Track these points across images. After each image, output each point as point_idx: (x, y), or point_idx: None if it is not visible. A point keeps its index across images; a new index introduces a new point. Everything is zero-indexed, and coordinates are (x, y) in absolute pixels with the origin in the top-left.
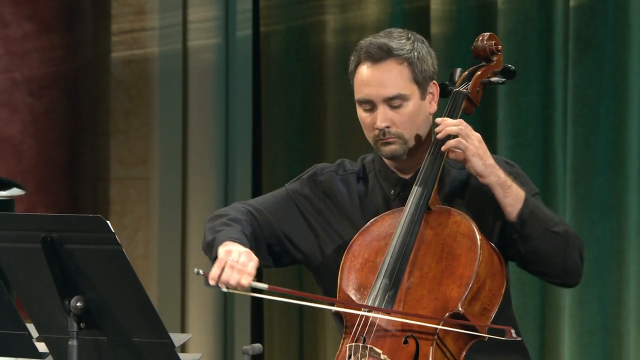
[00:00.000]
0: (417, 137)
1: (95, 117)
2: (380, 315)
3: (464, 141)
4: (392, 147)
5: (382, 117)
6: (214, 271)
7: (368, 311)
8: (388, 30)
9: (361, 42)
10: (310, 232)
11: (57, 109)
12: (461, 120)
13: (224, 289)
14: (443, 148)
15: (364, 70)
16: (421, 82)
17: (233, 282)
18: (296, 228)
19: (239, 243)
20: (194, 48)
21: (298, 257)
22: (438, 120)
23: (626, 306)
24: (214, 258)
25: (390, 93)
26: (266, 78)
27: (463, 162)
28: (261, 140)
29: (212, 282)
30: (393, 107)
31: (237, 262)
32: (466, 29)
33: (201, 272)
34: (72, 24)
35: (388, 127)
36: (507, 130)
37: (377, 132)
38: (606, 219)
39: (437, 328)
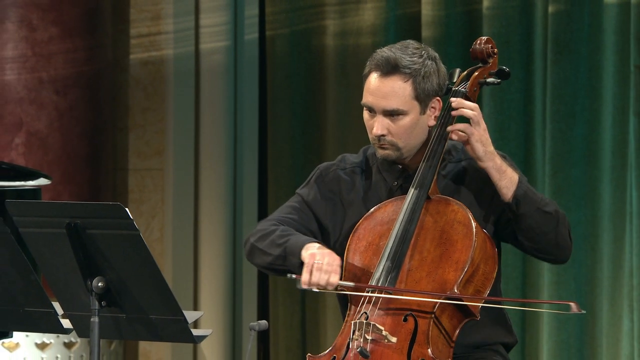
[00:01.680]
0: (414, 146)
1: (115, 113)
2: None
3: (471, 127)
4: (386, 152)
5: (379, 125)
6: (305, 276)
7: (372, 291)
8: (406, 43)
9: (378, 50)
10: (322, 229)
11: (80, 105)
12: (477, 106)
13: (315, 290)
14: (449, 128)
15: (372, 79)
16: (422, 99)
17: (323, 282)
18: (310, 227)
19: (316, 242)
20: (205, 50)
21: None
22: (453, 99)
23: (599, 285)
24: (298, 265)
25: (389, 106)
26: (271, 78)
27: (464, 144)
28: (267, 134)
29: (304, 286)
30: (391, 118)
31: (322, 264)
32: (454, 33)
33: (294, 276)
34: (94, 28)
35: (384, 135)
36: (492, 125)
37: (374, 136)
38: (581, 206)
39: (434, 307)
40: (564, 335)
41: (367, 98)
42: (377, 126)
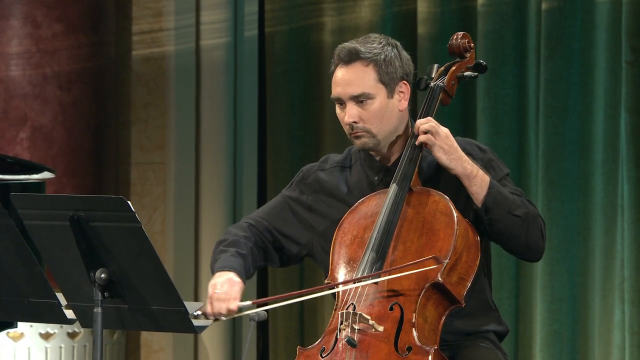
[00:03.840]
0: (389, 131)
1: (118, 108)
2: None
3: (432, 138)
4: (362, 140)
5: (349, 113)
6: (207, 308)
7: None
8: (367, 35)
9: (339, 46)
10: (305, 226)
11: (84, 100)
12: (429, 119)
13: (223, 318)
14: (417, 143)
15: (337, 72)
16: (387, 83)
17: (224, 311)
18: (292, 226)
19: (226, 270)
20: (206, 47)
21: (298, 250)
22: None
23: (592, 277)
24: None
25: (355, 91)
26: (270, 73)
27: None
28: (266, 128)
29: (211, 318)
30: (359, 104)
31: (221, 293)
32: (449, 30)
33: (199, 312)
34: (97, 25)
35: (355, 122)
36: (486, 120)
37: (347, 126)
38: (574, 199)
39: (419, 295)
40: (556, 325)
41: (334, 90)
42: (347, 114)
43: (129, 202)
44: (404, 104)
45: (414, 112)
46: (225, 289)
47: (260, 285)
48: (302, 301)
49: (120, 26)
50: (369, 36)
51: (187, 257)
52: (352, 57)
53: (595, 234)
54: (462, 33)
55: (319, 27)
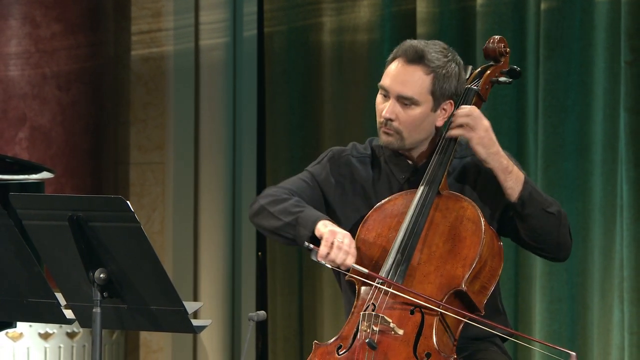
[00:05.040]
0: (417, 140)
1: (117, 108)
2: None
3: (467, 132)
4: (389, 138)
5: (390, 109)
6: (323, 250)
7: (382, 283)
8: (436, 41)
9: (408, 40)
10: (329, 211)
11: (83, 100)
12: (471, 111)
13: (328, 266)
14: (447, 135)
15: (395, 64)
16: (438, 97)
17: (339, 261)
18: (317, 206)
19: (331, 220)
20: (205, 47)
21: None
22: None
23: (591, 277)
24: (310, 236)
25: (405, 93)
26: (270, 73)
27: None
28: (265, 128)
29: (319, 259)
30: (403, 105)
31: (342, 244)
32: (448, 30)
33: (311, 246)
34: (96, 25)
35: (391, 120)
36: None
37: (382, 119)
38: (573, 199)
39: (442, 298)
40: (555, 326)
41: (384, 80)
42: (387, 109)
43: (128, 202)
44: (442, 121)
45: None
46: (347, 242)
47: (259, 284)
48: (301, 301)
49: (119, 26)
50: (436, 43)
51: (186, 257)
52: (415, 58)
53: (595, 234)
54: (498, 37)
55: (318, 27)
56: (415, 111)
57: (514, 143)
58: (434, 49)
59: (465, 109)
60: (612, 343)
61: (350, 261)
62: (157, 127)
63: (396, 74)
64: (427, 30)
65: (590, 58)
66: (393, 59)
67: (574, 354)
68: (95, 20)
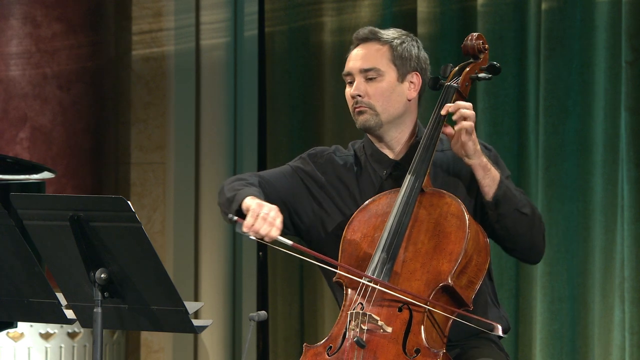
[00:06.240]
0: (393, 116)
1: (118, 108)
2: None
3: (467, 136)
4: (364, 116)
5: (356, 86)
6: (249, 220)
7: (369, 281)
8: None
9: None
10: (315, 205)
11: (84, 100)
12: (473, 115)
13: (252, 237)
14: (457, 127)
15: (352, 50)
16: (399, 66)
17: (263, 232)
18: (302, 201)
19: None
20: (205, 46)
21: (299, 228)
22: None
23: (591, 277)
24: (236, 210)
25: (366, 65)
26: (270, 73)
27: (451, 139)
28: (266, 128)
29: (244, 229)
30: (368, 80)
31: (268, 215)
32: (449, 30)
33: (235, 218)
34: (97, 25)
35: (360, 95)
36: (486, 119)
37: (352, 100)
38: (574, 199)
39: (429, 295)
40: (556, 326)
41: (346, 67)
42: (354, 87)
43: (128, 202)
44: (413, 94)
45: (425, 119)
46: (272, 215)
47: (259, 284)
48: (302, 301)
49: (120, 26)
50: (390, 28)
51: (186, 257)
52: (369, 37)
53: (595, 234)
54: (477, 34)
55: (318, 27)
56: (382, 83)
57: (515, 143)
58: (387, 30)
59: (470, 110)
60: (613, 343)
61: (275, 233)
62: (158, 127)
63: (354, 55)
64: (427, 30)
65: (591, 58)
66: (352, 49)
67: (499, 326)
68: (96, 20)
